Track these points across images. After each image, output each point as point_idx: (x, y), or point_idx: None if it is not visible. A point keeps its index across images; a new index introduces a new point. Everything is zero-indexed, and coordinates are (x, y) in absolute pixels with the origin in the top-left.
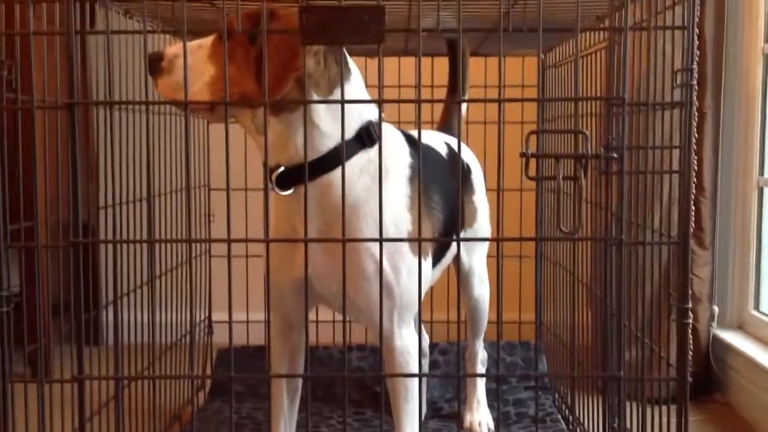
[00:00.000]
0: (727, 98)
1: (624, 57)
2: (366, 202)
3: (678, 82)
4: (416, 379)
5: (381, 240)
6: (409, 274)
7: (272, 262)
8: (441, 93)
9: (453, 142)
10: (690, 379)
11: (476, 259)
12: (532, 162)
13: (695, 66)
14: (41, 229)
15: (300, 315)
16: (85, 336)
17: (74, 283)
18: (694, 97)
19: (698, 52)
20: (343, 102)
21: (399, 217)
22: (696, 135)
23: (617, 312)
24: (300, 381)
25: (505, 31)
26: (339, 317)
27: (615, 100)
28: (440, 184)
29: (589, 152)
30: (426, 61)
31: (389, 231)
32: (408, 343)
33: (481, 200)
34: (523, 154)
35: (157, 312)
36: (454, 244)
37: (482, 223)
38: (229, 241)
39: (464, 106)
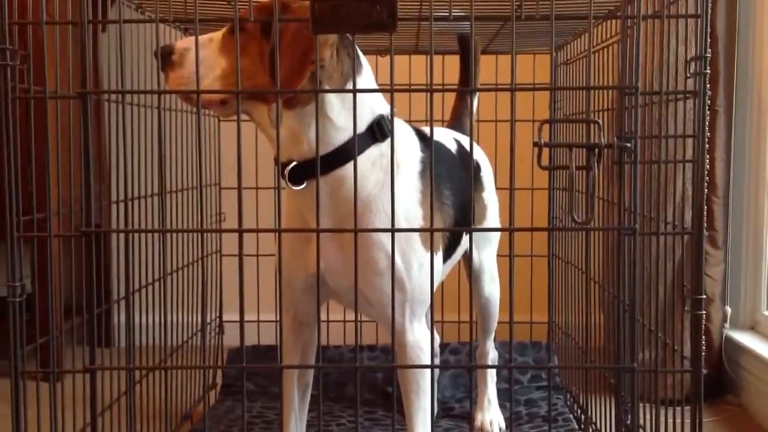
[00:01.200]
0: (740, 97)
1: (637, 46)
2: (378, 196)
3: (691, 71)
4: (428, 375)
5: (393, 230)
6: (420, 268)
7: (284, 259)
8: (451, 93)
9: (462, 138)
10: (704, 371)
11: (486, 256)
12: (545, 152)
13: (709, 54)
14: (53, 219)
15: (312, 311)
16: (96, 333)
17: (86, 274)
18: (707, 86)
19: (710, 50)
20: (355, 91)
21: (411, 211)
22: (708, 133)
23: (630, 305)
24: (311, 378)
25: (517, 20)
26: (350, 317)
27: (628, 89)
28: (450, 180)
29: (602, 142)
30: (437, 60)
31: (401, 225)
32: (420, 338)
33: (491, 198)
34: (536, 144)
35: (168, 312)
36: (464, 241)
37: (492, 221)
38: (240, 231)
39: (475, 103)
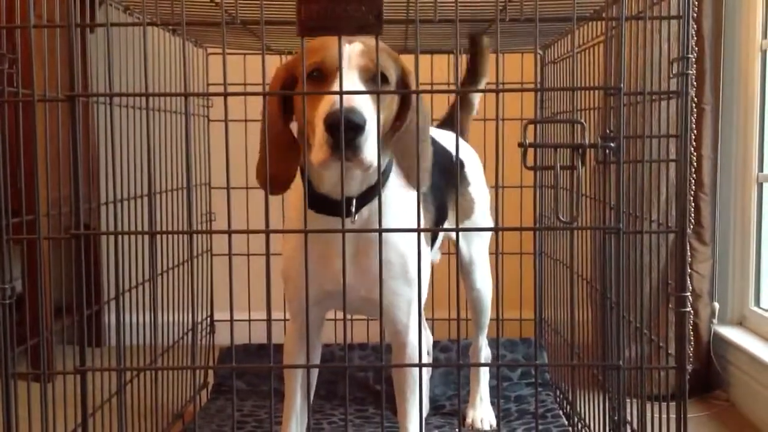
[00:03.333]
0: (726, 94)
1: (621, 47)
2: (391, 206)
3: (674, 71)
4: (421, 371)
5: (380, 231)
6: (426, 269)
7: (295, 276)
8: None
9: (439, 133)
10: (689, 367)
11: (476, 250)
12: (530, 152)
13: (691, 55)
14: (42, 221)
15: (320, 317)
16: (87, 334)
17: (76, 276)
18: (690, 87)
19: (696, 48)
20: (341, 93)
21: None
22: (695, 130)
23: (616, 302)
24: (315, 379)
25: (502, 22)
26: (340, 315)
27: (612, 90)
28: None
29: (587, 142)
30: (425, 60)
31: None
32: (416, 337)
33: (477, 192)
34: (521, 144)
35: (158, 312)
36: (441, 236)
37: (480, 215)
38: (229, 233)
39: (477, 101)
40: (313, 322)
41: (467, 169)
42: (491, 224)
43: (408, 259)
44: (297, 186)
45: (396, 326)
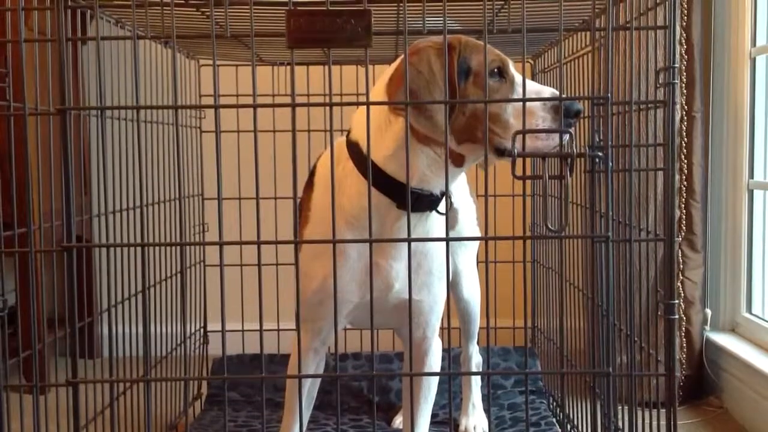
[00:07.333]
0: (716, 102)
1: (609, 57)
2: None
3: (660, 81)
4: (437, 380)
5: (371, 241)
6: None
7: (341, 290)
8: None
9: None
10: (681, 374)
11: (463, 260)
12: (519, 161)
13: (677, 65)
14: (35, 234)
15: (333, 330)
16: (79, 345)
17: (68, 288)
18: (677, 96)
19: (686, 57)
20: (330, 104)
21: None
22: (686, 138)
23: (607, 310)
24: (315, 391)
25: (490, 33)
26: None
27: (599, 99)
28: None
29: (575, 151)
30: None
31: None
32: (438, 345)
33: (461, 202)
34: (509, 154)
35: (151, 323)
36: None
37: (464, 225)
38: (221, 244)
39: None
40: (331, 332)
41: None
42: (477, 234)
43: (443, 264)
44: (326, 188)
45: (426, 331)
